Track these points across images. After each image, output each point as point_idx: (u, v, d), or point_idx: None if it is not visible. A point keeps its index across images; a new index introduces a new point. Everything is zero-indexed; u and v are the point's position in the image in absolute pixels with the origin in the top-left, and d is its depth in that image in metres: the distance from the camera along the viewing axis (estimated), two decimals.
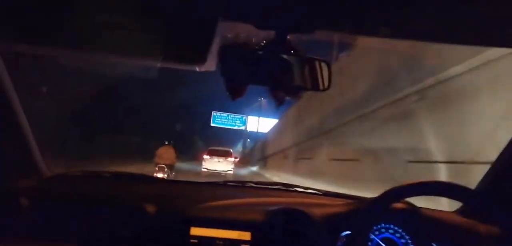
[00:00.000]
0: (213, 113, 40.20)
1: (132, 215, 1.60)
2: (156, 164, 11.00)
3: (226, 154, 19.96)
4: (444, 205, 1.87)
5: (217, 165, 18.99)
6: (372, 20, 1.04)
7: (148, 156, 12.77)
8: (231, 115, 41.29)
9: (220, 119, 40.89)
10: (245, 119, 41.73)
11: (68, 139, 10.60)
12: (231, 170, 19.21)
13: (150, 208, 1.62)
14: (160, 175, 9.99)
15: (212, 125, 40.32)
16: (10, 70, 1.42)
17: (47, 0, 0.94)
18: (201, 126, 43.84)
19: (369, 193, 1.80)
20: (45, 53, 1.06)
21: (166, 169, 10.71)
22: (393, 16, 1.03)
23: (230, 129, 42.31)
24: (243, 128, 42.60)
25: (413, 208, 1.59)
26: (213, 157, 19.49)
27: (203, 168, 18.95)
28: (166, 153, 11.56)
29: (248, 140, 49.78)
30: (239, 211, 1.66)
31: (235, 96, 1.27)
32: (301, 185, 2.05)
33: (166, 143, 12.05)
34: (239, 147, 52.33)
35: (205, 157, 19.80)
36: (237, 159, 26.52)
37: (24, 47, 1.06)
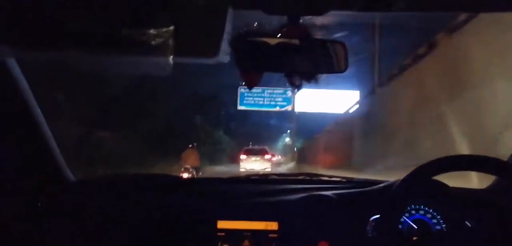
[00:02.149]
0: (241, 89, 23.72)
1: (158, 214, 1.61)
2: (182, 167, 11.72)
3: (262, 152, 20.58)
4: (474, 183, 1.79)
5: (254, 164, 19.40)
6: None
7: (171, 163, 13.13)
8: (268, 90, 24.37)
9: (251, 99, 24.48)
10: (290, 95, 24.81)
11: (92, 146, 10.84)
12: (269, 168, 19.35)
13: (176, 205, 1.64)
14: (185, 175, 10.53)
15: (239, 108, 23.93)
16: (30, 78, 1.45)
17: (56, 5, 0.96)
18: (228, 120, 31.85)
19: None
20: (57, 58, 1.08)
21: (191, 169, 11.24)
22: None
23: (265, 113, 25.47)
24: (288, 108, 24.78)
25: (444, 187, 1.54)
26: (250, 156, 20.00)
27: (241, 168, 19.33)
28: (190, 155, 12.40)
29: (289, 136, 32.46)
30: (265, 202, 1.66)
31: (251, 86, 1.26)
32: None
33: (190, 146, 13.01)
34: (282, 142, 37.54)
35: (242, 157, 20.48)
36: (275, 158, 24.35)
37: (40, 54, 1.08)
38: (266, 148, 22.05)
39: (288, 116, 28.07)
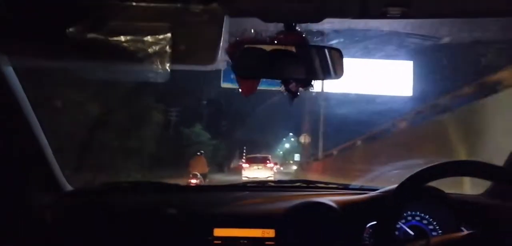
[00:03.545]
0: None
1: (155, 221, 1.61)
2: (190, 173, 11.83)
3: (264, 161, 20.39)
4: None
5: (257, 172, 19.18)
6: (380, 0, 1.02)
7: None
8: None
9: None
10: None
11: (89, 156, 10.79)
12: (271, 177, 18.89)
13: (172, 213, 1.63)
14: (193, 181, 10.65)
15: (223, 85, 10.82)
16: (26, 87, 1.45)
17: (55, 14, 0.96)
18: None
19: None
20: (55, 66, 1.09)
21: (199, 176, 11.34)
22: None
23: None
24: None
25: (439, 193, 1.55)
26: (252, 164, 19.94)
27: (244, 177, 18.95)
28: (198, 162, 12.74)
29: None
30: (262, 209, 1.66)
31: (248, 93, 1.26)
32: None
33: (198, 153, 13.42)
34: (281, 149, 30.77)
35: (244, 165, 20.41)
36: (277, 166, 24.21)
37: (38, 62, 1.08)
38: (269, 155, 22.05)
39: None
